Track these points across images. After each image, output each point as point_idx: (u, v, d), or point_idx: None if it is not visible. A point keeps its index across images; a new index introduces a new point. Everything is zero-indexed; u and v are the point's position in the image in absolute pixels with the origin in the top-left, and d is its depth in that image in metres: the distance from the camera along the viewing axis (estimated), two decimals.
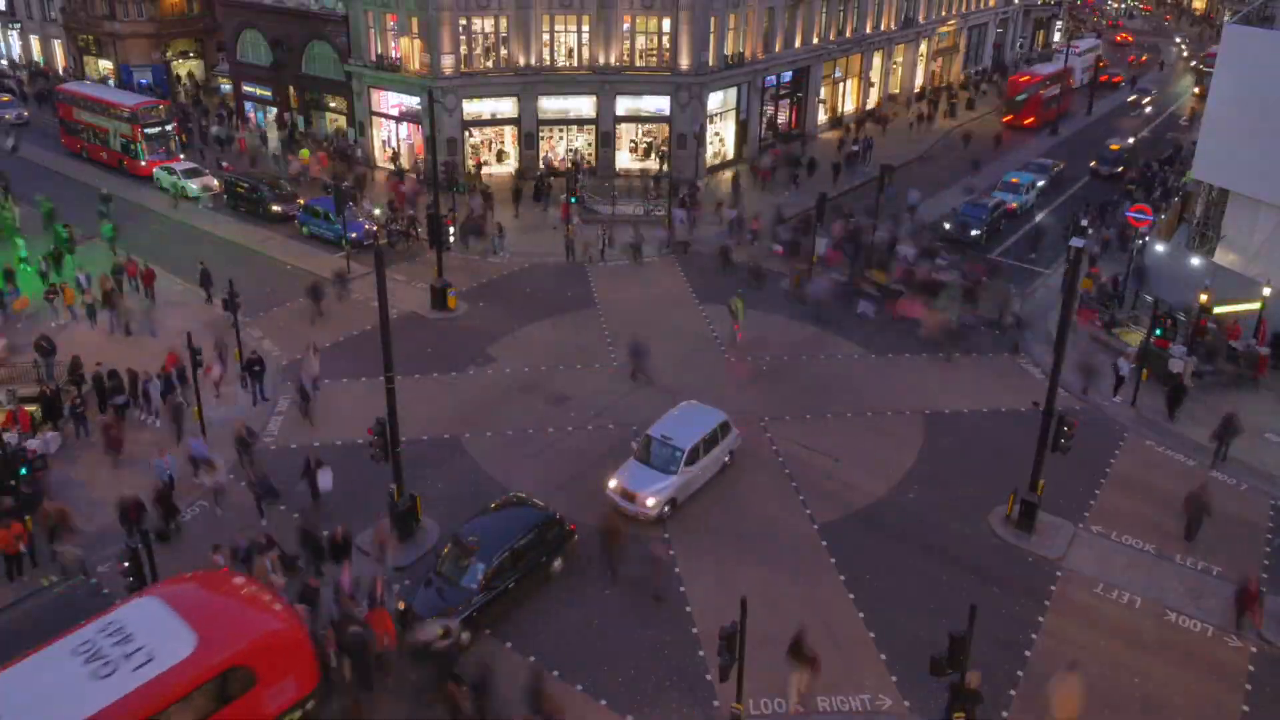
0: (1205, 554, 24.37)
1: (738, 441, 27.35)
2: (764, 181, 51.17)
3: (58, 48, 72.73)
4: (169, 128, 51.50)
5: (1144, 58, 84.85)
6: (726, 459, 26.98)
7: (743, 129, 54.91)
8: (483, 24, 48.61)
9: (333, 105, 55.26)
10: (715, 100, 51.98)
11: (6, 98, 63.61)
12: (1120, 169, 54.23)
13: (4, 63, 76.13)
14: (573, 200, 43.38)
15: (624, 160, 52.22)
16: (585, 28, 49.55)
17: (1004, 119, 63.79)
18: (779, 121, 58.20)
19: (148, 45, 66.78)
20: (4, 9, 75.17)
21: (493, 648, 21.04)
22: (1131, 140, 59.42)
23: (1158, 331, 31.44)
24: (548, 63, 49.95)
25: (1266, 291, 32.36)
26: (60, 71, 71.58)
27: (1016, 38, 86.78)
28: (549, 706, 18.45)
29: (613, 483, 25.42)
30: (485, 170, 50.06)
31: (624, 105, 51.24)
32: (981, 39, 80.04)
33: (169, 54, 68.29)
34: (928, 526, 25.17)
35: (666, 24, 49.46)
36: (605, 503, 25.03)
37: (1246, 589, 21.77)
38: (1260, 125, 34.23)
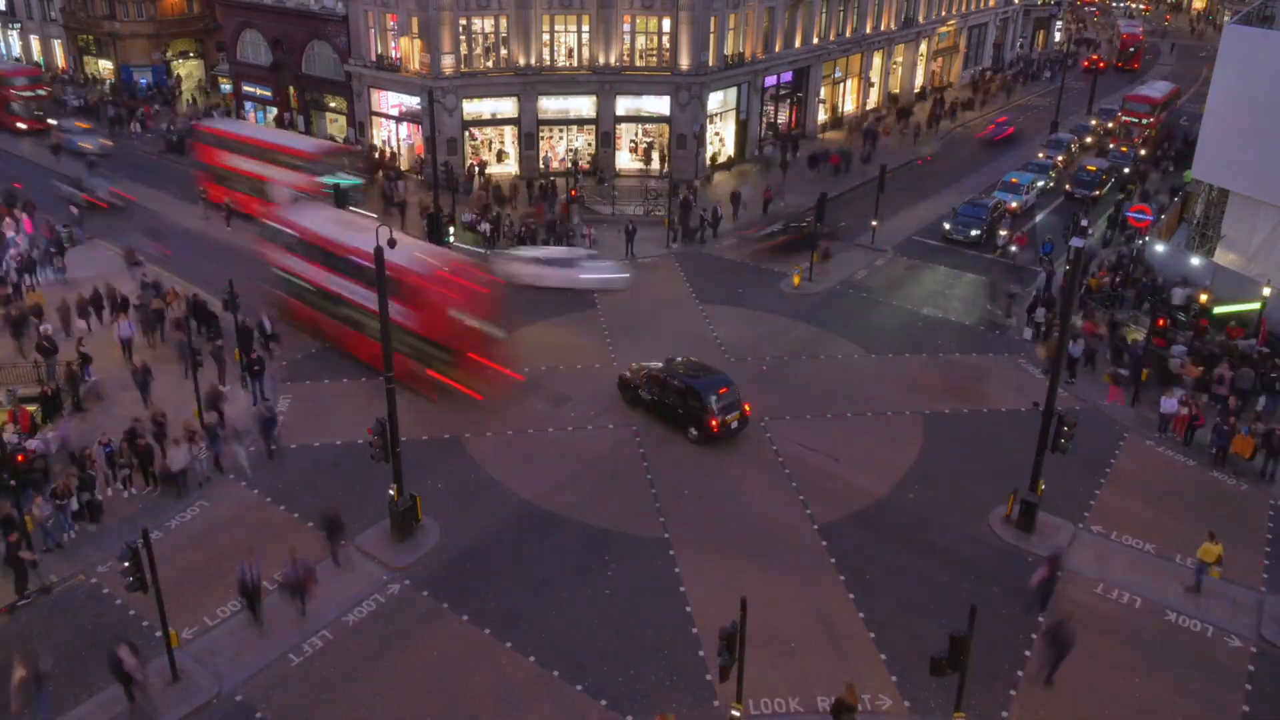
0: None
1: None
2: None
3: (58, 48, 72.72)
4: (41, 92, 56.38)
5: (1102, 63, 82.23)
6: None
7: (743, 129, 54.92)
8: (483, 24, 48.60)
9: (333, 105, 55.28)
10: (715, 100, 51.99)
11: (85, 124, 56.31)
12: (1097, 192, 49.56)
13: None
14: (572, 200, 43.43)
15: (624, 160, 52.23)
16: (585, 28, 49.55)
17: (1118, 64, 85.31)
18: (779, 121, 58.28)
19: (148, 45, 66.83)
20: (4, 9, 75.14)
21: (492, 647, 21.11)
22: (1109, 162, 53.88)
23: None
24: (548, 63, 49.93)
25: (1266, 291, 32.34)
26: (59, 72, 71.56)
27: (1016, 38, 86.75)
28: None
29: None
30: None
31: (624, 105, 51.23)
32: (981, 39, 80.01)
33: (169, 54, 68.29)
34: (928, 526, 25.16)
35: (666, 24, 49.44)
36: None
37: None
38: (1260, 125, 34.23)
